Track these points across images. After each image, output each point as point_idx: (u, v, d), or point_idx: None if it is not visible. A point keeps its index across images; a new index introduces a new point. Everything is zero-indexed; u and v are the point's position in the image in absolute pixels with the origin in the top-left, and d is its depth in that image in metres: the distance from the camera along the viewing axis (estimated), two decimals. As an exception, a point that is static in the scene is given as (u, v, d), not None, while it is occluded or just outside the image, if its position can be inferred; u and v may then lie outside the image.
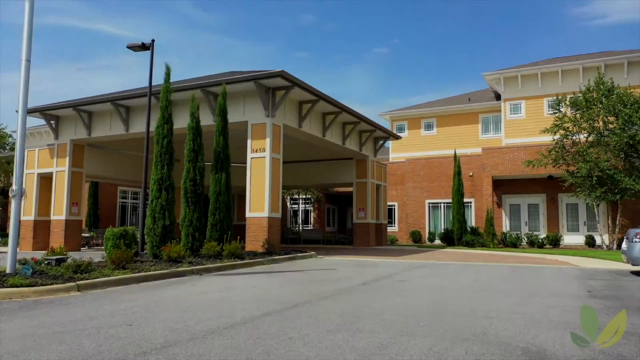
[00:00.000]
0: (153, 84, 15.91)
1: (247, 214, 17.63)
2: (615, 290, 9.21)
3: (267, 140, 17.54)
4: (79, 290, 8.57)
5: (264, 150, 17.55)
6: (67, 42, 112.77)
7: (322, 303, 7.46)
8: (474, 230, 26.75)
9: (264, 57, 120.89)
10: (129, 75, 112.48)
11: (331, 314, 6.49)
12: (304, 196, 36.11)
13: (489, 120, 37.44)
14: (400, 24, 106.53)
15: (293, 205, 37.89)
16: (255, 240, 17.19)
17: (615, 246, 22.35)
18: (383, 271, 12.39)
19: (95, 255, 13.36)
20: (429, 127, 39.24)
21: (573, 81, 31.74)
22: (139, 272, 10.32)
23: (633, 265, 11.54)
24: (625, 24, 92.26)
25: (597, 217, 24.47)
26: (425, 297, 8.13)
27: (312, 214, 37.58)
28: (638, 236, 11.24)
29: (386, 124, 41.75)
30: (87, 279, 9.13)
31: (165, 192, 13.24)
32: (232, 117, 17.86)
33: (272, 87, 17.68)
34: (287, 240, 30.09)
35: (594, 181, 21.75)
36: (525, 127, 33.94)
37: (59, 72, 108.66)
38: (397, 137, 27.75)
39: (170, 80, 14.82)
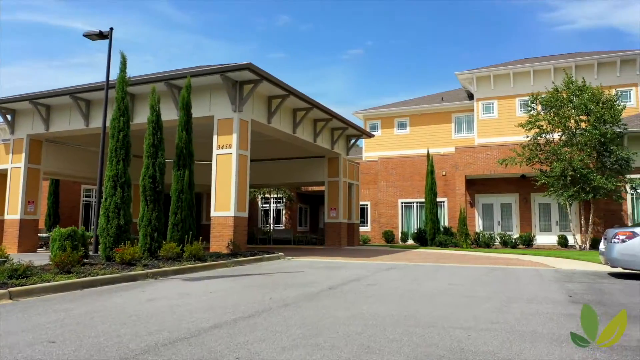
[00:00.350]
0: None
1: (212, 213, 16.76)
2: (596, 294, 8.72)
3: (234, 136, 16.69)
4: (10, 298, 7.63)
5: (230, 146, 16.70)
6: (40, 40, 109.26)
7: (283, 312, 6.72)
8: (447, 230, 26.38)
9: (239, 58, 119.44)
10: (103, 72, 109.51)
11: (290, 326, 5.76)
12: (275, 195, 35.27)
13: (462, 120, 37.30)
14: (373, 26, 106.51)
15: (264, 205, 37.02)
16: (220, 240, 16.34)
17: (587, 246, 22.22)
18: (352, 274, 11.72)
19: (47, 258, 12.32)
20: (402, 126, 38.92)
21: (545, 81, 31.72)
22: (85, 276, 9.39)
23: (612, 266, 11.13)
24: (592, 29, 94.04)
25: (569, 216, 24.33)
26: (395, 304, 7.47)
27: (283, 213, 36.77)
28: (617, 237, 10.83)
29: (359, 123, 41.28)
30: (23, 285, 8.18)
31: (120, 190, 12.29)
32: (198, 111, 16.97)
33: (240, 81, 16.85)
34: (256, 241, 29.23)
35: (567, 180, 21.55)
36: (498, 127, 33.86)
37: (31, 70, 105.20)
38: (370, 135, 27.18)
39: (137, 75, 13.92)
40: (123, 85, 12.77)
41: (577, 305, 7.41)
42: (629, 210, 24.57)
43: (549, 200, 26.44)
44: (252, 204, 36.90)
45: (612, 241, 10.93)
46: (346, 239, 25.94)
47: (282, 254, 16.94)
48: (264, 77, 16.40)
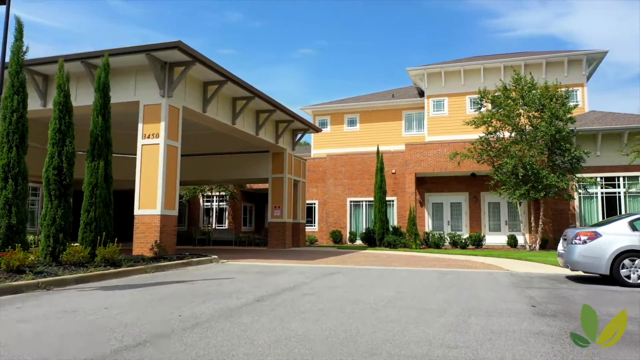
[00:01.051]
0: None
1: (136, 211, 14.89)
2: (561, 303, 7.62)
3: (162, 125, 14.87)
4: None
5: (157, 135, 14.87)
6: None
7: (187, 336, 5.16)
8: (396, 230, 25.37)
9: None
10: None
11: (183, 362, 4.22)
12: (217, 193, 33.33)
13: (412, 118, 36.61)
14: (325, 26, 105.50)
15: (206, 203, 34.98)
16: (144, 242, 14.49)
17: (537, 247, 21.68)
18: (289, 280, 10.25)
19: None
20: (352, 122, 37.86)
21: (495, 79, 31.31)
22: (-53, 289, 7.47)
23: (572, 269, 10.18)
24: (534, 37, 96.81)
25: (519, 216, 23.83)
26: (333, 320, 6.05)
27: (226, 212, 34.88)
28: (578, 237, 9.86)
29: (308, 119, 39.92)
30: None
31: (12, 182, 10.29)
32: (121, 96, 15.06)
33: (169, 62, 15.05)
34: (194, 242, 27.26)
35: (519, 178, 20.90)
36: (448, 125, 33.30)
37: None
38: (317, 130, 25.83)
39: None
40: (18, 57, 10.75)
41: (544, 320, 6.24)
42: (577, 210, 24.34)
43: (498, 199, 25.91)
44: (193, 202, 34.82)
45: (573, 242, 9.97)
46: (291, 240, 24.47)
47: (215, 256, 15.26)
48: (196, 58, 14.68)
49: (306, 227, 31.73)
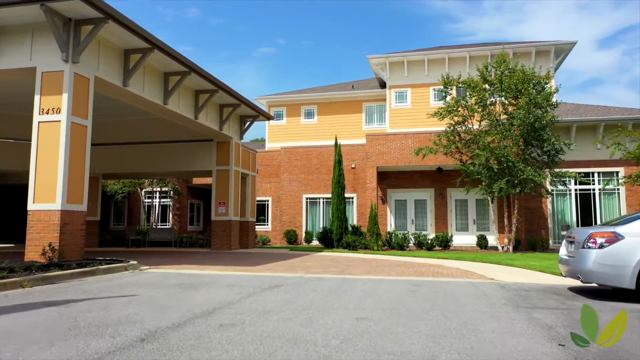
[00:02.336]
0: None
1: (30, 206, 11.76)
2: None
3: (65, 97, 11.80)
4: None
5: (58, 110, 11.80)
6: None
7: None
8: (356, 230, 22.92)
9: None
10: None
11: None
12: (159, 189, 30.03)
13: (373, 110, 34.36)
14: (284, 26, 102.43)
15: (147, 200, 31.59)
16: (40, 244, 11.40)
17: (511, 248, 19.62)
18: (211, 299, 7.50)
19: None
20: (309, 114, 35.26)
21: (460, 69, 29.38)
22: None
23: (585, 282, 7.84)
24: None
25: (490, 214, 21.80)
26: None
27: (171, 210, 31.61)
28: (593, 240, 7.54)
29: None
30: None
31: None
32: (10, 60, 11.91)
33: (75, 19, 11.99)
34: (127, 243, 23.95)
35: (494, 171, 18.80)
36: (411, 117, 31.13)
37: None
38: (269, 117, 23.04)
39: None
40: None
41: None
42: (550, 208, 22.53)
43: (466, 196, 23.86)
44: (133, 198, 31.40)
45: (586, 246, 7.64)
46: (238, 241, 21.62)
47: (134, 262, 12.30)
48: (109, 14, 11.69)
49: (258, 227, 28.96)
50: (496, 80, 19.48)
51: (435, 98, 31.23)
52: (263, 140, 47.96)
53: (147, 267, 12.55)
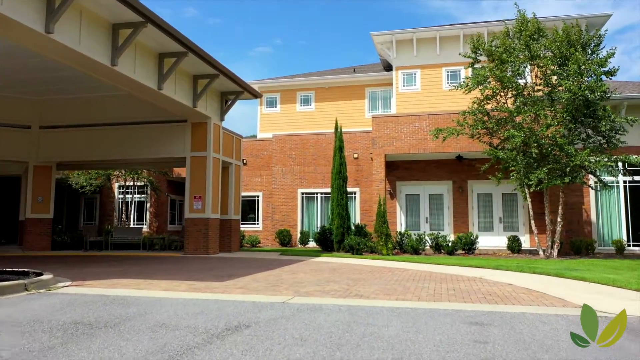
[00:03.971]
0: None
1: None
2: None
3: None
4: None
5: None
6: None
7: None
8: (360, 230, 19.12)
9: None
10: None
11: None
12: (132, 183, 26.18)
13: (377, 96, 30.59)
14: (280, 25, 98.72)
15: (122, 196, 27.71)
16: None
17: (555, 252, 15.80)
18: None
19: None
20: (306, 101, 31.48)
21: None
22: None
23: None
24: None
25: (519, 212, 18.02)
26: None
27: (147, 207, 27.78)
28: None
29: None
30: None
31: None
32: None
33: None
34: (86, 246, 19.93)
35: (532, 157, 15.01)
36: (421, 102, 27.34)
37: None
38: (256, 94, 19.15)
39: None
40: None
41: None
42: (592, 204, 18.74)
43: (491, 189, 20.11)
44: (104, 194, 27.56)
45: None
46: (217, 243, 17.82)
47: (48, 276, 8.50)
48: None
49: (247, 226, 25.22)
50: (523, 47, 15.64)
51: (448, 80, 27.54)
52: (253, 136, 44.22)
53: (69, 282, 8.76)
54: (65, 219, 28.27)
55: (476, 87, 16.30)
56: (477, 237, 17.68)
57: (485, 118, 16.36)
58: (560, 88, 15.18)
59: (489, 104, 16.52)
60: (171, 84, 14.74)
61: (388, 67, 30.06)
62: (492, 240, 19.65)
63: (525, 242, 19.28)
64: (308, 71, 39.75)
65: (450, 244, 17.46)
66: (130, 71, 12.78)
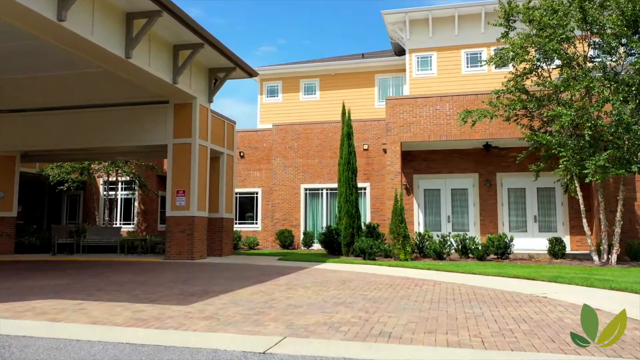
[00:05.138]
0: None
1: None
2: None
3: None
4: None
5: None
6: None
7: None
8: (372, 230, 16.41)
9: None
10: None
11: None
12: (116, 178, 23.55)
13: (388, 83, 27.86)
14: (283, 25, 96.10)
15: (109, 193, 25.09)
16: None
17: (614, 259, 12.98)
18: None
19: None
20: (310, 90, 28.80)
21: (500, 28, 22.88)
22: None
23: None
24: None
25: (558, 209, 15.24)
26: None
27: (135, 205, 25.17)
28: None
29: (255, 87, 30.87)
30: None
31: None
32: None
33: None
34: (54, 250, 17.16)
35: (586, 139, 12.19)
36: (437, 87, 24.52)
37: None
38: (250, 72, 16.37)
39: None
40: None
41: None
42: (648, 200, 15.91)
43: (523, 183, 17.39)
44: (86, 189, 24.98)
45: None
46: (205, 245, 15.15)
47: None
48: None
49: (245, 226, 22.62)
50: (575, 7, 12.81)
51: (467, 64, 24.84)
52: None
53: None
54: (46, 218, 25.75)
55: (513, 60, 13.49)
56: (511, 239, 14.89)
57: (524, 96, 13.58)
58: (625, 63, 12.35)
59: (527, 79, 13.74)
60: (143, 53, 12.06)
61: (400, 52, 27.33)
62: (526, 243, 16.86)
63: (566, 244, 16.49)
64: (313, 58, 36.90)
65: (480, 248, 14.70)
66: (87, 31, 10.11)
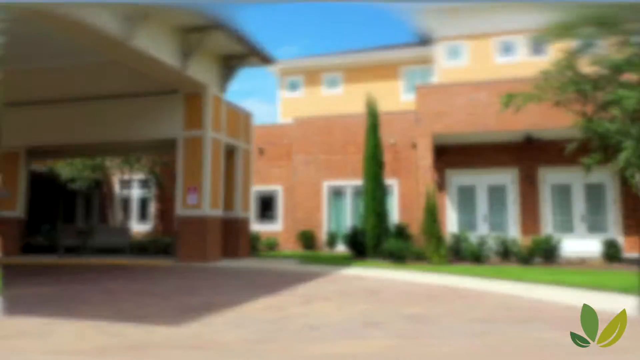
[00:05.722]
0: None
1: None
2: None
3: None
4: None
5: None
6: None
7: None
8: (402, 231, 14.97)
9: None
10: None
11: None
12: (129, 176, 22.58)
13: (415, 75, 26.26)
14: (302, 27, 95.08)
15: (124, 191, 24.20)
16: None
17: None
18: None
19: None
20: (332, 83, 27.46)
21: (544, 12, 21.10)
22: None
23: None
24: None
25: (608, 207, 13.55)
26: None
27: (151, 204, 24.19)
28: None
29: (272, 81, 29.73)
30: None
31: None
32: None
33: None
34: (61, 252, 16.09)
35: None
36: (469, 79, 23.02)
37: None
38: (266, 59, 14.98)
39: None
40: None
41: None
42: None
43: (568, 179, 15.71)
44: (102, 188, 24.12)
45: None
46: (218, 247, 13.93)
47: None
48: None
49: (265, 226, 21.38)
50: None
51: (501, 53, 23.15)
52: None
53: None
54: (62, 218, 25.00)
55: (563, 35, 11.86)
56: (559, 241, 13.26)
57: (577, 77, 11.96)
58: None
59: (581, 57, 12.11)
60: (146, 33, 10.87)
61: (426, 41, 25.79)
62: (573, 245, 15.12)
63: (621, 246, 14.74)
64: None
65: (523, 250, 13.11)
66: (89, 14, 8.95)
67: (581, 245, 15.07)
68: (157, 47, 11.29)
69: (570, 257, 14.08)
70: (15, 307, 6.23)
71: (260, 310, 6.15)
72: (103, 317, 5.67)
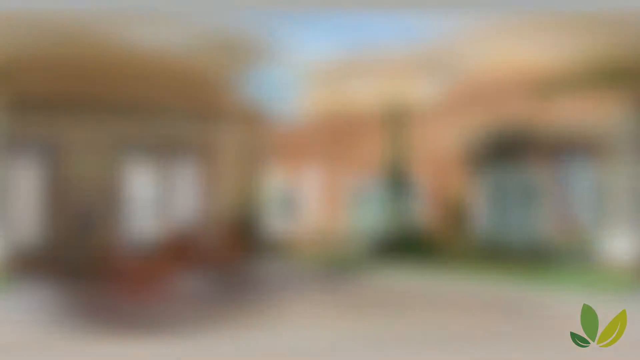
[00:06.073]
0: None
1: None
2: None
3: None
4: None
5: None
6: None
7: None
8: (429, 230, 13.90)
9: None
10: None
11: None
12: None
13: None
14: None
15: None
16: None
17: None
18: None
19: None
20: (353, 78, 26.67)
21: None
22: None
23: None
24: None
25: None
26: None
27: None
28: None
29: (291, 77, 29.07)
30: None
31: None
32: None
33: None
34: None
35: None
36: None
37: None
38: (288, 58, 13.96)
39: None
40: None
41: None
42: None
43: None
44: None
45: None
46: (228, 247, 13.06)
47: None
48: None
49: (278, 224, 20.72)
50: None
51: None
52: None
53: None
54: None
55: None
56: (601, 239, 11.85)
57: None
58: None
59: None
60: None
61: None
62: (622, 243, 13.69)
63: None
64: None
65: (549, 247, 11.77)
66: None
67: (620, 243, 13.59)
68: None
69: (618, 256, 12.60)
70: None
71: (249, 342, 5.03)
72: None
